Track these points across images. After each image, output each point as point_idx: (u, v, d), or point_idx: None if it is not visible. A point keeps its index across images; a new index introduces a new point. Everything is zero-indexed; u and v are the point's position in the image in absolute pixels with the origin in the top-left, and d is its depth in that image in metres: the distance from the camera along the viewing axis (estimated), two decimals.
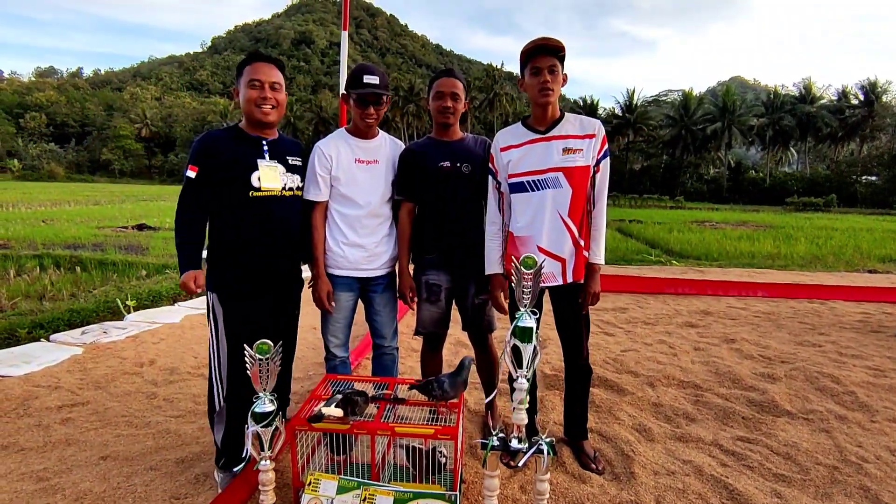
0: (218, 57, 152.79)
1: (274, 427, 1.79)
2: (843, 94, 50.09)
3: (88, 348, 3.86)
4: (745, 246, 11.78)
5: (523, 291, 1.71)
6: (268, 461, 1.79)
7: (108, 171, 70.05)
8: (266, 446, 1.79)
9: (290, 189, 2.21)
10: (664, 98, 61.91)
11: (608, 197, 2.29)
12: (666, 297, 6.34)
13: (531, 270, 1.69)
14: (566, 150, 2.17)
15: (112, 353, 3.81)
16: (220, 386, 2.16)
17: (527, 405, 1.75)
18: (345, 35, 5.63)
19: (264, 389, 1.79)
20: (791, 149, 52.07)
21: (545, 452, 1.68)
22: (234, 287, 2.13)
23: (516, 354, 1.72)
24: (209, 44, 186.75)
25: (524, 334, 1.69)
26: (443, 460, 1.87)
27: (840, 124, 48.25)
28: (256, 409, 1.77)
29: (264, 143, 2.15)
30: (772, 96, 51.46)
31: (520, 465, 1.68)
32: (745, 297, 6.40)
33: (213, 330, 2.15)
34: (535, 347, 1.71)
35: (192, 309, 5.05)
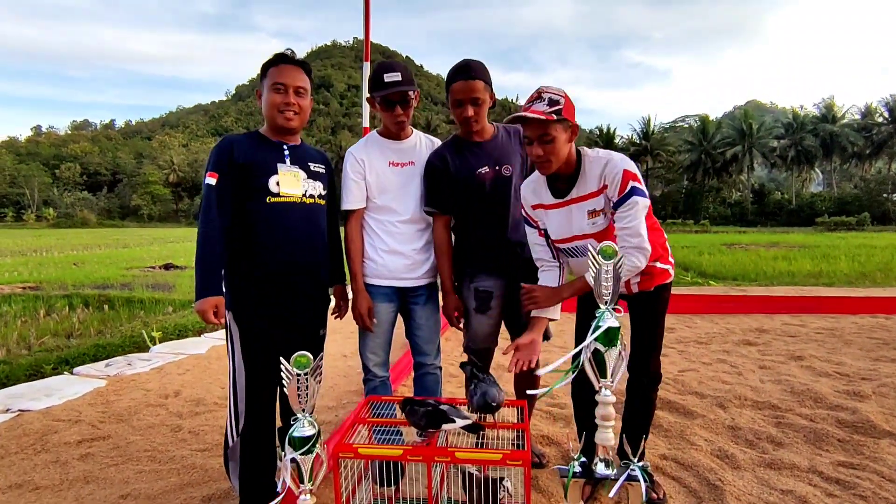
0: (241, 104, 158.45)
1: (315, 454, 1.54)
2: (868, 112, 49.32)
3: (112, 380, 3.68)
4: (782, 265, 11.26)
5: (602, 286, 1.46)
6: (308, 495, 1.54)
7: (138, 216, 72.07)
8: (306, 477, 1.54)
9: (312, 196, 1.99)
10: (681, 124, 61.86)
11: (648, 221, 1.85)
12: (713, 317, 5.95)
13: (611, 261, 1.44)
14: (591, 214, 1.81)
15: (136, 384, 3.61)
16: (234, 418, 1.92)
17: (612, 422, 1.47)
18: (367, 66, 5.60)
19: (303, 410, 1.55)
20: (815, 169, 51.07)
21: (640, 479, 1.39)
22: (250, 303, 1.90)
23: (598, 361, 1.45)
24: (233, 91, 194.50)
25: (608, 337, 1.43)
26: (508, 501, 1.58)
27: (866, 142, 47.29)
28: (295, 434, 1.52)
29: (285, 147, 1.97)
30: (791, 117, 50.92)
31: (611, 495, 1.39)
32: (800, 314, 5.97)
33: (231, 353, 1.93)
34: (619, 352, 1.44)
35: (219, 340, 4.87)
